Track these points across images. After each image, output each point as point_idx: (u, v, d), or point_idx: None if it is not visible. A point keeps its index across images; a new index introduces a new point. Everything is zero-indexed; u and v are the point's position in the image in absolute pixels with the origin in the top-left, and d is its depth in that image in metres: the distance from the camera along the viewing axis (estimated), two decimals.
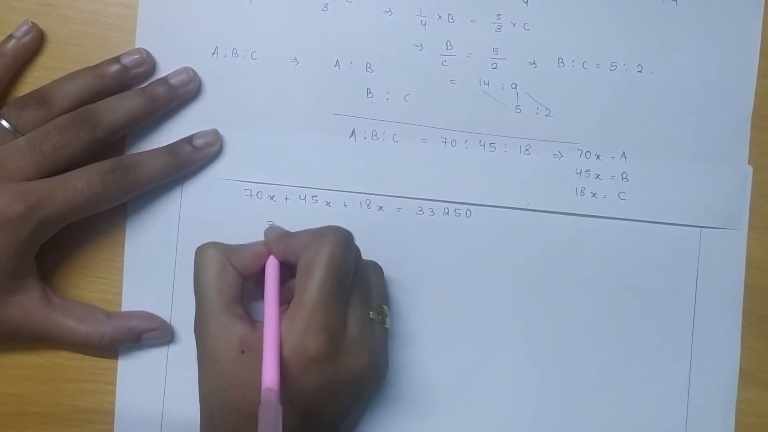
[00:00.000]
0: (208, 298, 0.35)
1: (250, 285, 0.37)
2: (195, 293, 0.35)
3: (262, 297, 0.35)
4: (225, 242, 0.36)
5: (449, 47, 0.40)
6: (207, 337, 0.34)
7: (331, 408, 0.34)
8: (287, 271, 0.36)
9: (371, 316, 0.36)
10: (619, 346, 0.40)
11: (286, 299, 0.35)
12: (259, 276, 0.36)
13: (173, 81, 0.39)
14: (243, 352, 0.33)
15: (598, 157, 0.40)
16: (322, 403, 0.34)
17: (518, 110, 0.40)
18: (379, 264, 0.38)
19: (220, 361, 0.33)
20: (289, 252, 0.36)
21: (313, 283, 0.33)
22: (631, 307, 0.40)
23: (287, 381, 0.33)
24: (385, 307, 0.37)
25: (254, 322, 0.35)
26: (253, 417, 0.31)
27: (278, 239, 0.36)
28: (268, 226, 0.38)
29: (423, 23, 0.40)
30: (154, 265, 0.40)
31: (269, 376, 0.31)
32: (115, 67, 0.38)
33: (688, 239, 0.40)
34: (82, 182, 0.36)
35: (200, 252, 0.36)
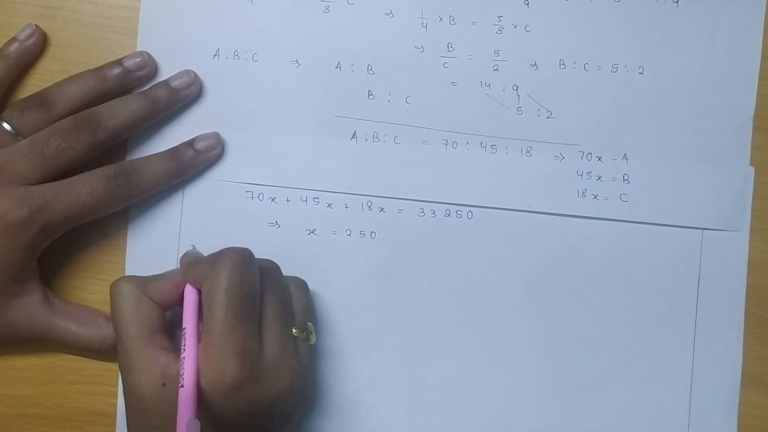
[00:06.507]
0: (127, 333, 0.33)
1: (176, 314, 0.36)
2: (114, 330, 0.34)
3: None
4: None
5: (450, 49, 0.40)
6: (130, 373, 0.33)
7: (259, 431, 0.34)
8: None
9: (294, 333, 0.35)
10: (620, 348, 0.40)
11: None
12: (182, 304, 0.35)
13: (175, 84, 0.39)
14: (164, 385, 0.32)
15: (599, 159, 0.40)
16: (249, 427, 0.33)
17: (519, 112, 0.40)
18: (304, 279, 0.37)
19: (144, 398, 0.32)
20: (196, 281, 0.34)
21: (216, 310, 0.32)
22: (632, 309, 0.40)
23: (210, 411, 0.32)
24: (310, 323, 0.36)
25: (178, 352, 0.33)
26: None
27: (186, 268, 0.35)
28: (185, 252, 0.36)
29: (424, 25, 0.40)
30: (155, 267, 0.39)
31: (184, 414, 0.31)
32: (116, 70, 0.38)
33: (690, 241, 0.40)
34: (85, 187, 0.36)
35: (114, 288, 0.35)
